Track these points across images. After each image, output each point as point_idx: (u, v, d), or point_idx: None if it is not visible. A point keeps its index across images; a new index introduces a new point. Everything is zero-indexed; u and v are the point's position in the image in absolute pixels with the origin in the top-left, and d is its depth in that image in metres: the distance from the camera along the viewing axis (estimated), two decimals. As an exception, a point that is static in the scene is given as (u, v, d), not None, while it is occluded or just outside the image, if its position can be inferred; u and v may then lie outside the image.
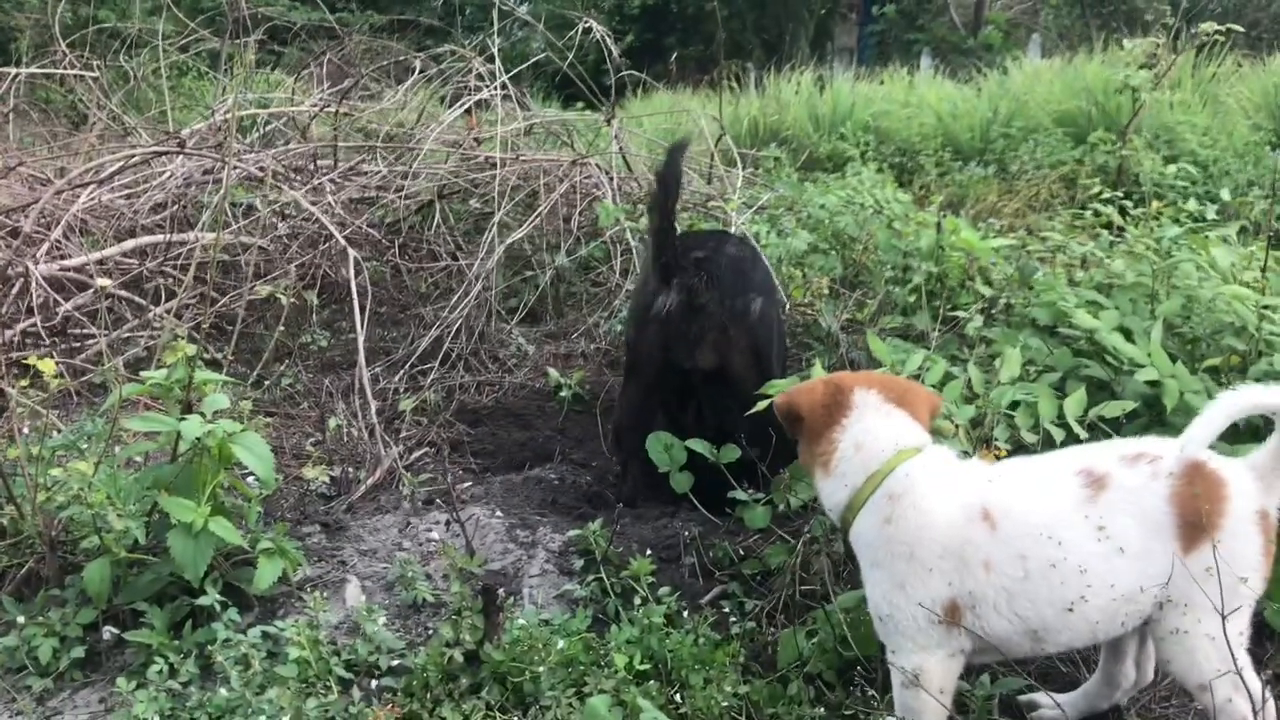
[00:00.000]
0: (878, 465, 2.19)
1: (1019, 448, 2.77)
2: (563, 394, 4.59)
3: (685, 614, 2.75)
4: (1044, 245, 4.12)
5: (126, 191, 5.80)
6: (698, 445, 3.35)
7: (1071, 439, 2.64)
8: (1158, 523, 2.07)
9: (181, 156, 5.86)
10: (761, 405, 2.77)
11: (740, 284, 3.41)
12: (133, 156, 5.86)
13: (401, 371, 4.73)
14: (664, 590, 2.81)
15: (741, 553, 3.12)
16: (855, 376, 2.37)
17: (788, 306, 4.68)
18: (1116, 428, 2.91)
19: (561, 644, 2.53)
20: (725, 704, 2.41)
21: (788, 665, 2.56)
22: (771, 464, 3.39)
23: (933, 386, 2.81)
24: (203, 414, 2.77)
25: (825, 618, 2.58)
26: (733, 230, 5.17)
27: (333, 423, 4.06)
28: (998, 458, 2.57)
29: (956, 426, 2.56)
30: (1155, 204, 3.95)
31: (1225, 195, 4.36)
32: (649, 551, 3.02)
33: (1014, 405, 2.78)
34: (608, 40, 6.48)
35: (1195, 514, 2.04)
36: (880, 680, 2.47)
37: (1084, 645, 2.28)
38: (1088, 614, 2.10)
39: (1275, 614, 2.70)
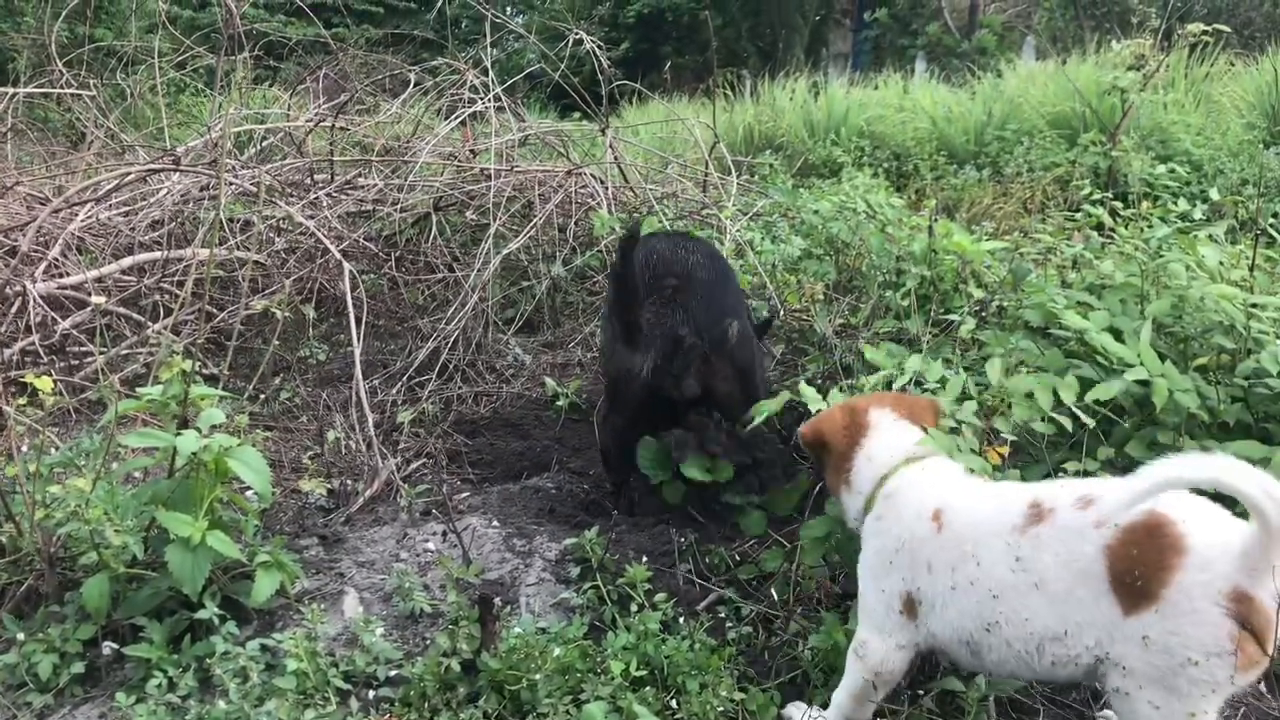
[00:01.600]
0: (885, 471, 2.35)
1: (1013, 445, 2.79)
2: (560, 403, 4.61)
3: (681, 620, 2.76)
4: (1035, 248, 4.13)
5: (124, 209, 5.83)
6: (693, 471, 3.39)
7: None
8: (1086, 571, 1.97)
9: (178, 173, 5.89)
10: (760, 419, 2.85)
11: (715, 312, 3.39)
12: (129, 174, 5.89)
13: (399, 383, 4.75)
14: (660, 596, 2.82)
15: (737, 558, 3.13)
16: (868, 399, 2.51)
17: (782, 313, 4.70)
18: (1117, 415, 2.93)
19: (558, 651, 2.54)
20: (721, 709, 2.42)
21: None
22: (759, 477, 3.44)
23: (933, 384, 2.84)
24: (198, 429, 2.78)
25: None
26: (726, 238, 5.20)
27: (331, 435, 4.07)
28: (1000, 456, 2.61)
29: (960, 423, 2.58)
30: (1144, 204, 3.96)
31: (1214, 194, 4.37)
32: (645, 558, 3.03)
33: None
34: (598, 52, 6.51)
35: (1133, 574, 1.92)
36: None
37: (1029, 676, 2.24)
38: (1009, 640, 2.08)
39: None
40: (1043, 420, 2.67)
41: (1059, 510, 2.04)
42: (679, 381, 3.35)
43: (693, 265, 3.53)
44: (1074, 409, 2.64)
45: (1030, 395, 2.69)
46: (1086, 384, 2.86)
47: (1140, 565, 1.92)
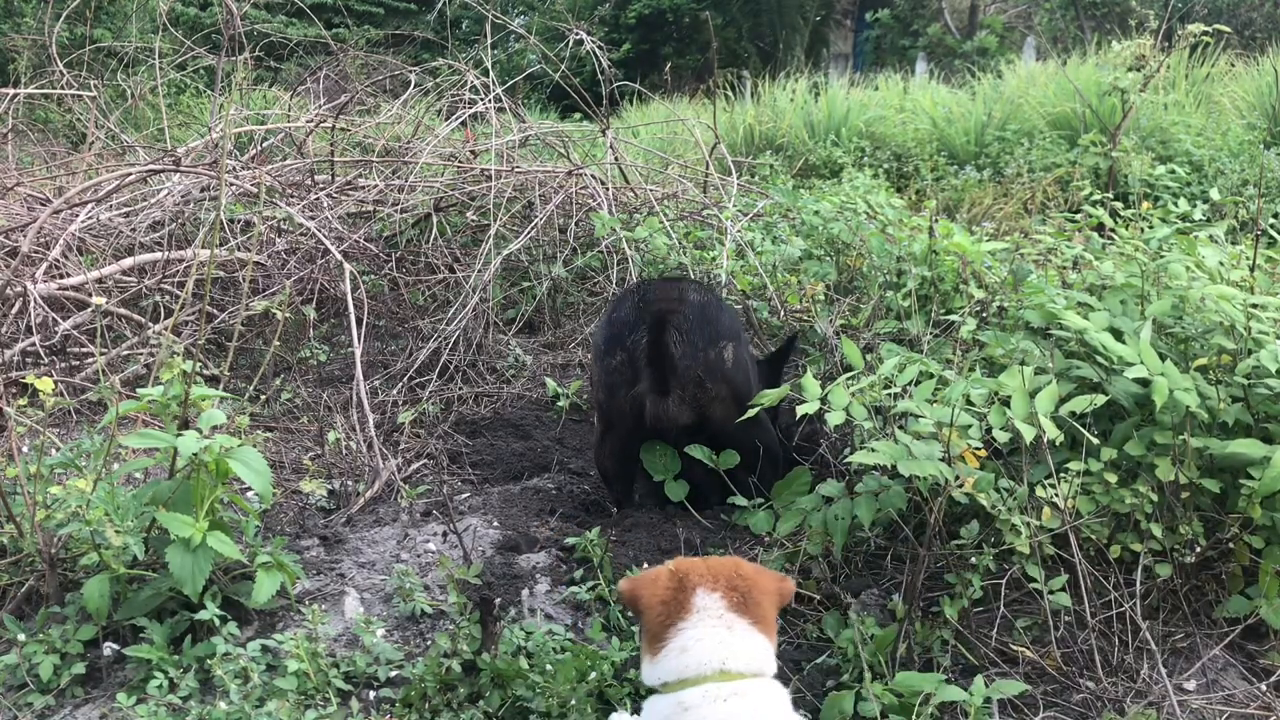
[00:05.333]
0: (692, 675, 1.96)
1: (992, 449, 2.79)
2: (560, 404, 4.61)
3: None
4: (1036, 248, 4.14)
5: (124, 210, 5.83)
6: (697, 452, 3.37)
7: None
8: None
9: (178, 174, 5.90)
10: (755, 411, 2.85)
11: (710, 333, 3.32)
12: (129, 175, 5.89)
13: (400, 384, 4.75)
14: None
15: (738, 559, 3.12)
16: (700, 573, 2.05)
17: (784, 313, 4.70)
18: (1109, 426, 2.93)
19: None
20: (721, 709, 2.42)
21: None
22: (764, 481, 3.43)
23: (906, 386, 2.83)
24: (199, 430, 2.78)
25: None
26: (726, 239, 5.20)
27: (331, 436, 4.08)
28: (978, 458, 2.60)
29: (941, 425, 2.57)
30: (1145, 205, 3.96)
31: (1215, 195, 4.38)
32: (646, 559, 3.03)
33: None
34: (598, 52, 6.51)
35: None
36: None
37: None
38: None
39: (1272, 611, 2.72)
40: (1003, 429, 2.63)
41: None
42: (668, 408, 3.30)
43: (685, 290, 3.48)
44: (1046, 419, 2.61)
45: (1005, 401, 2.67)
46: (1086, 390, 2.87)
47: None
